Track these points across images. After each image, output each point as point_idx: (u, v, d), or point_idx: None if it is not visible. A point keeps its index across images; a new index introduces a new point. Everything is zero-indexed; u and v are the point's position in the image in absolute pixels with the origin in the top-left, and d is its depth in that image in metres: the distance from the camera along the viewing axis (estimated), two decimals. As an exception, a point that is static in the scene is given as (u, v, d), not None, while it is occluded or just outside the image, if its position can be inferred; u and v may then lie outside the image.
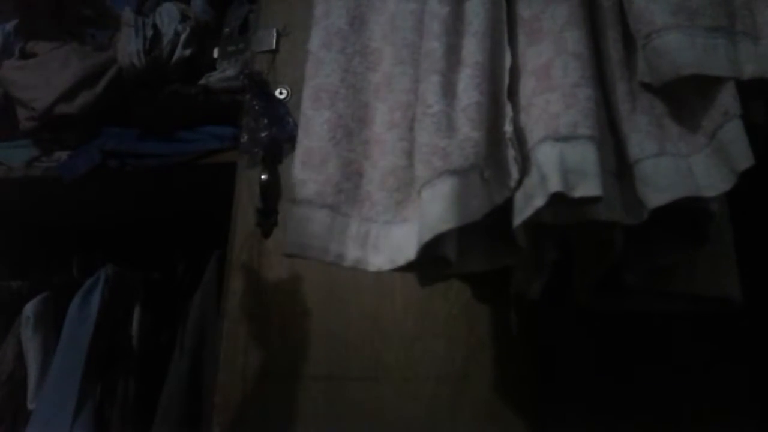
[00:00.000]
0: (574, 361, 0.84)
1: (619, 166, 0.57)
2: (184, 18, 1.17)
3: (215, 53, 1.18)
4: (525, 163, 0.54)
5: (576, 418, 0.82)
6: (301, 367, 0.92)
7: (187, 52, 1.16)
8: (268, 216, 0.97)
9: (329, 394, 0.89)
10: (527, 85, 0.57)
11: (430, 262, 0.53)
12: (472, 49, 0.55)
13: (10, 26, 1.26)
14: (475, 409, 0.85)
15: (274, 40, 1.07)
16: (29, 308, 1.23)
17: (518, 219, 0.53)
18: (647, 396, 0.81)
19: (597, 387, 0.82)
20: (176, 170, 1.15)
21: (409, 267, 0.54)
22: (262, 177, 0.97)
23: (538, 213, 0.51)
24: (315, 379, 0.91)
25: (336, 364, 0.91)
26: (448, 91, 0.53)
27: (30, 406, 1.17)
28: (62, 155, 1.22)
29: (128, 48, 1.14)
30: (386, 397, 0.88)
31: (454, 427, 0.85)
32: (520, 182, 0.54)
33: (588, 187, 0.50)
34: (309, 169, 0.56)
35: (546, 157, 0.52)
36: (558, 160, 0.51)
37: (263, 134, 1.00)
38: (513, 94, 0.57)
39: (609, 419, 0.81)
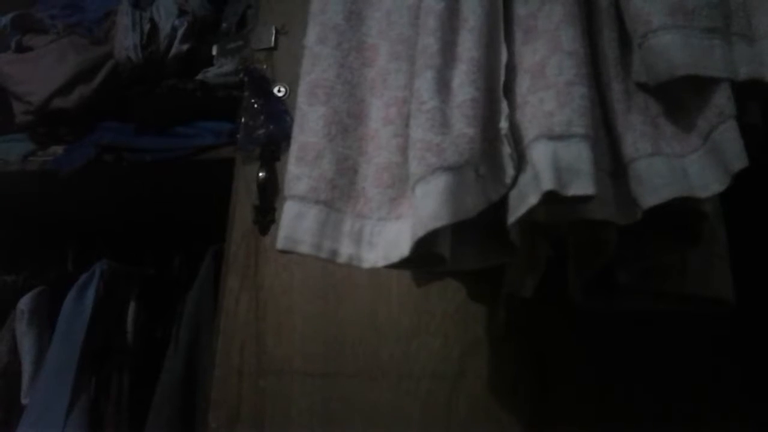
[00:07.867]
0: (571, 359, 0.84)
1: (613, 165, 0.57)
2: (181, 13, 1.17)
3: (214, 50, 1.18)
4: (520, 161, 0.54)
5: (572, 418, 0.82)
6: (297, 364, 0.92)
7: (185, 47, 1.16)
8: (265, 213, 0.97)
9: (325, 392, 0.89)
10: (522, 83, 0.57)
11: (424, 259, 0.53)
12: (467, 45, 0.55)
13: (6, 19, 1.26)
14: (471, 408, 0.85)
15: (273, 38, 1.07)
16: (24, 302, 1.23)
17: (512, 217, 0.53)
18: (645, 396, 0.81)
19: (594, 386, 0.82)
20: (173, 165, 1.14)
21: (403, 264, 0.54)
22: (260, 174, 0.97)
23: (531, 211, 0.51)
24: (311, 377, 0.91)
25: (332, 361, 0.91)
26: (443, 87, 0.53)
27: (24, 400, 1.17)
28: (58, 150, 1.22)
29: (125, 42, 1.13)
30: (382, 395, 0.88)
31: (450, 425, 0.85)
32: (515, 179, 0.54)
33: (581, 186, 0.50)
34: (303, 164, 0.56)
35: (540, 155, 0.52)
36: (551, 159, 0.51)
37: (261, 131, 1.00)
38: (509, 91, 0.57)
39: (606, 419, 0.81)
